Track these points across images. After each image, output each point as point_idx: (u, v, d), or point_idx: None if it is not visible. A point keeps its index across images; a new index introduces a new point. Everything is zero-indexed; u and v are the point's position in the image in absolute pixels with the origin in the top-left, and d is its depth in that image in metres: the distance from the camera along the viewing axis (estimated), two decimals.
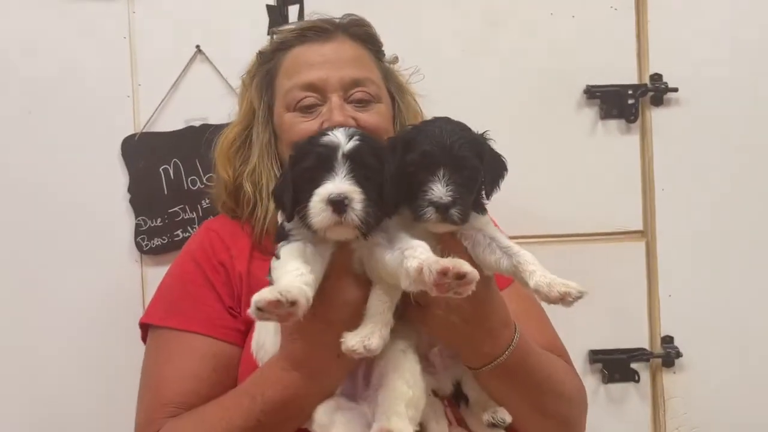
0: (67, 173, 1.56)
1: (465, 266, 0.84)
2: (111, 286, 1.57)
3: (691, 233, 1.63)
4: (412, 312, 0.99)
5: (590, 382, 1.59)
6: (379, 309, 0.94)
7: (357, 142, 0.92)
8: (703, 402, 1.62)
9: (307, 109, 1.15)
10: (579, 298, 0.89)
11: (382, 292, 0.95)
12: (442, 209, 0.91)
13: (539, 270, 0.92)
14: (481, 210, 1.00)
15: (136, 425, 1.14)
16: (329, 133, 0.94)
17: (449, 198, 0.91)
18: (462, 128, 0.99)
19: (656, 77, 1.60)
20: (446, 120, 0.99)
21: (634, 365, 1.61)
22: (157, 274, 1.53)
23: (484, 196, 1.00)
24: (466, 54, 1.59)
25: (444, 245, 0.96)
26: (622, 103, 1.59)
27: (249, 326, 1.10)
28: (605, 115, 1.60)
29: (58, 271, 1.56)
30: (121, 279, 1.57)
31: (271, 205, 1.14)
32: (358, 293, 0.96)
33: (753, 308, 1.63)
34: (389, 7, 1.59)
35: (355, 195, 0.89)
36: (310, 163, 0.92)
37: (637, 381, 1.60)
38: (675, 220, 1.62)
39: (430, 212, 0.92)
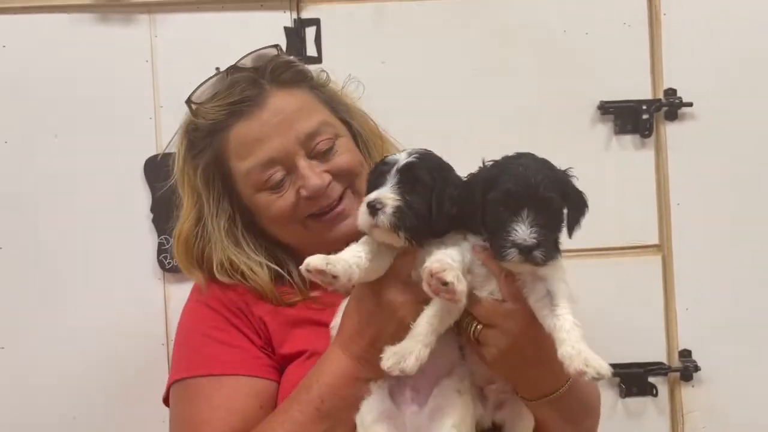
0: (91, 193, 1.60)
1: (449, 276, 0.88)
2: (135, 303, 1.60)
3: (708, 247, 1.63)
4: (471, 347, 1.01)
5: (608, 396, 1.59)
6: (424, 330, 0.94)
7: (412, 159, 1.00)
8: (723, 416, 1.62)
9: (277, 185, 1.11)
10: (597, 379, 0.87)
11: (433, 314, 0.96)
12: (525, 251, 0.91)
13: (570, 340, 0.90)
14: (556, 252, 0.98)
15: None
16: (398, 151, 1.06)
17: (533, 240, 0.90)
18: (547, 167, 0.98)
19: (670, 92, 1.61)
20: (531, 157, 0.99)
21: (651, 379, 1.61)
22: (179, 291, 1.58)
23: (565, 234, 0.99)
24: (481, 72, 1.61)
25: (501, 283, 0.98)
26: (637, 119, 1.61)
27: (283, 363, 1.11)
28: (620, 130, 1.61)
29: (83, 288, 1.60)
30: (145, 296, 1.60)
31: (264, 273, 1.12)
32: (402, 298, 0.99)
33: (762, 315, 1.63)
34: (402, 26, 1.62)
35: (389, 201, 0.96)
36: (373, 177, 1.02)
37: (655, 395, 1.61)
38: (691, 233, 1.63)
39: (513, 254, 0.91)
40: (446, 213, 0.98)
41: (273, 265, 1.13)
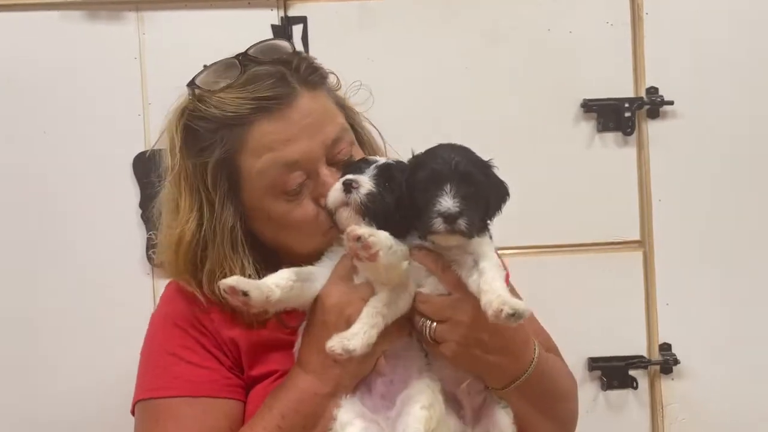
0: (80, 189, 1.61)
1: (360, 230, 0.91)
2: (123, 297, 1.61)
3: (689, 243, 1.66)
4: (431, 349, 1.03)
5: (589, 389, 1.63)
6: (369, 313, 0.97)
7: (390, 162, 1.06)
8: (701, 408, 1.66)
9: (296, 191, 1.04)
10: (514, 316, 0.88)
11: (377, 299, 0.98)
12: (450, 219, 0.95)
13: (492, 290, 0.93)
14: (482, 231, 1.02)
15: None
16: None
17: (456, 208, 0.95)
18: (467, 151, 1.05)
19: (652, 90, 1.63)
20: (454, 145, 1.05)
21: (632, 372, 1.64)
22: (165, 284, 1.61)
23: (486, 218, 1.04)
24: (466, 70, 1.63)
25: (440, 276, 1.00)
26: (619, 117, 1.63)
27: (252, 384, 1.08)
28: (602, 128, 1.64)
29: (71, 282, 1.62)
30: (133, 291, 1.61)
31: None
32: (347, 297, 1.00)
33: (750, 316, 1.66)
34: (388, 24, 1.63)
35: (365, 184, 1.00)
36: (350, 166, 1.06)
37: (636, 388, 1.64)
38: (672, 230, 1.66)
39: (438, 223, 0.96)
40: (404, 210, 1.02)
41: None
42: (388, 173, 1.03)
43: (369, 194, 1.00)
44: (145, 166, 1.59)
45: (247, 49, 1.05)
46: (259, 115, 1.00)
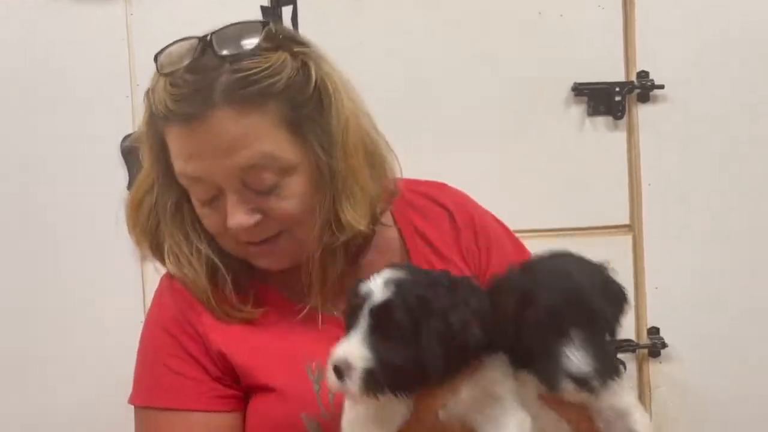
0: (69, 170, 1.62)
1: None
2: (111, 280, 1.64)
3: (678, 227, 1.69)
4: None
5: None
6: None
7: (387, 297, 0.79)
8: (688, 391, 1.69)
9: (206, 202, 0.94)
10: None
11: None
12: (582, 382, 0.77)
13: None
14: (615, 373, 0.82)
15: None
16: (372, 278, 0.82)
17: (589, 368, 0.76)
18: (586, 269, 0.86)
19: (643, 74, 1.65)
20: (567, 260, 0.87)
21: (620, 356, 1.66)
22: (154, 270, 1.61)
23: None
24: (457, 54, 1.64)
25: (575, 425, 0.85)
26: (610, 100, 1.65)
27: (249, 392, 0.99)
28: (593, 111, 1.66)
29: (58, 265, 1.63)
30: (121, 274, 1.63)
31: (204, 281, 0.97)
32: None
33: (739, 300, 1.69)
34: (376, 10, 1.64)
35: (357, 361, 0.79)
36: (347, 314, 0.84)
37: (624, 371, 1.66)
38: (662, 214, 1.68)
39: (568, 385, 0.77)
40: (439, 354, 0.79)
41: (217, 261, 0.97)
42: (385, 319, 0.79)
43: (365, 375, 0.78)
44: (134, 148, 1.59)
45: (212, 33, 0.93)
46: (170, 120, 0.91)
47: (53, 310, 1.64)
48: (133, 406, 1.02)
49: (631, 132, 1.67)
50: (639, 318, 1.68)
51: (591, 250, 1.61)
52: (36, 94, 1.61)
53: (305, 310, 0.96)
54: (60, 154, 1.61)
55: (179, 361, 0.98)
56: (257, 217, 0.91)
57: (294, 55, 0.91)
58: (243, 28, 0.91)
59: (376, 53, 1.62)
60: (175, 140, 0.91)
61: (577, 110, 1.66)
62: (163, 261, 0.99)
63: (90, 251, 1.63)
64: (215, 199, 0.92)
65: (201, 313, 0.97)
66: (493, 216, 1.14)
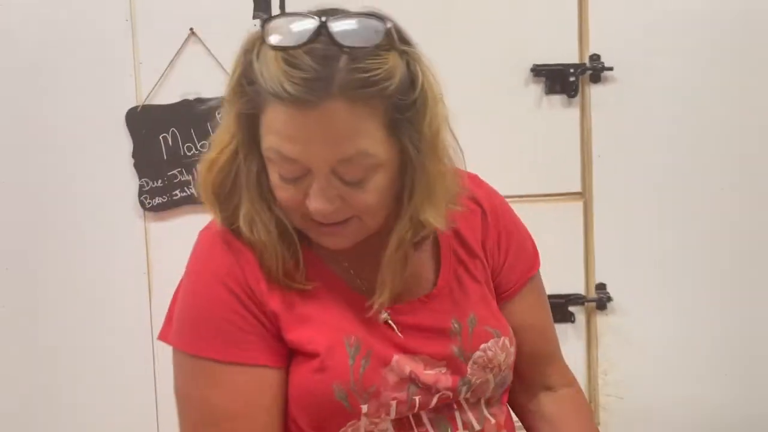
0: (78, 141, 1.77)
1: None
2: (118, 239, 1.80)
3: (624, 194, 1.84)
4: None
5: None
6: None
7: None
8: (630, 339, 1.87)
9: (289, 180, 0.91)
10: None
11: None
12: None
13: None
14: None
15: None
16: None
17: None
18: None
19: (595, 57, 1.80)
20: None
21: (571, 308, 1.85)
22: (158, 228, 1.80)
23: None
24: (422, 38, 1.79)
25: None
26: (565, 81, 1.80)
27: (291, 350, 0.98)
28: (549, 90, 1.81)
29: (69, 225, 1.80)
30: (127, 233, 1.80)
31: (278, 249, 0.95)
32: None
33: (676, 259, 1.86)
34: None
35: None
36: None
37: (573, 322, 1.85)
38: (610, 182, 1.84)
39: None
40: None
41: (292, 232, 0.96)
42: None
43: None
44: (137, 120, 1.76)
45: (331, 18, 0.87)
46: (282, 99, 0.86)
47: (63, 260, 1.80)
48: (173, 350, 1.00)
49: (583, 109, 1.82)
50: (588, 275, 1.86)
51: (547, 214, 1.84)
52: (45, 71, 1.75)
53: (375, 307, 0.95)
54: (73, 124, 1.76)
55: (241, 318, 0.96)
56: (337, 204, 0.90)
57: (401, 55, 0.89)
58: (363, 21, 0.87)
59: None
60: (279, 119, 0.87)
61: (536, 89, 1.81)
62: (229, 222, 0.96)
63: (97, 207, 1.79)
64: (299, 178, 0.90)
65: (257, 275, 0.96)
66: (517, 218, 1.13)
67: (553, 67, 1.81)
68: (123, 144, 1.77)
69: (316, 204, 0.88)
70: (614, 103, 1.83)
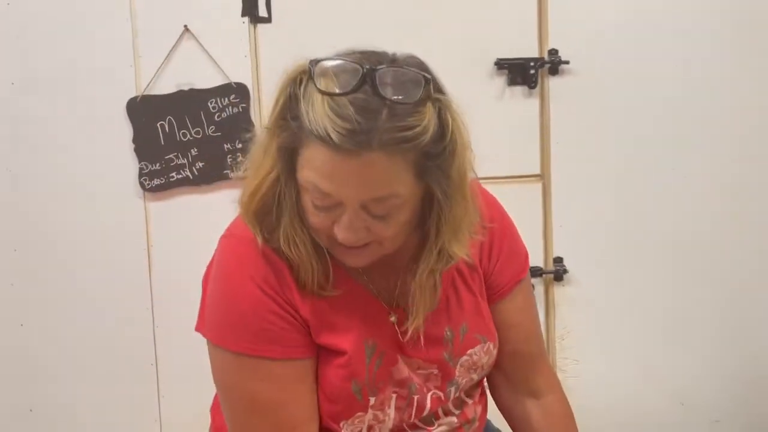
0: (83, 129, 1.91)
1: None
2: (119, 218, 1.94)
3: (579, 176, 1.99)
4: None
5: None
6: None
7: None
8: (584, 307, 2.03)
9: (321, 208, 0.96)
10: None
11: None
12: None
13: None
14: None
15: None
16: None
17: None
18: None
19: (553, 52, 1.94)
20: None
21: (531, 279, 2.02)
22: (157, 207, 1.94)
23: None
24: (394, 35, 1.92)
25: None
26: (525, 73, 1.94)
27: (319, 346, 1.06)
28: (511, 82, 1.95)
29: (72, 206, 1.92)
30: (128, 212, 1.93)
31: (313, 263, 1.00)
32: None
33: (626, 236, 2.02)
34: None
35: None
36: None
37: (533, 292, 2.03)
38: (566, 166, 1.98)
39: None
40: None
41: (324, 248, 1.01)
42: None
43: None
44: (137, 108, 1.91)
45: (379, 67, 0.90)
46: (326, 141, 0.89)
47: (65, 238, 1.93)
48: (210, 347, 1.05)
49: (542, 99, 1.97)
50: (546, 249, 2.01)
51: (510, 194, 2.00)
52: (58, 65, 1.89)
53: (409, 334, 1.03)
54: (78, 113, 1.90)
55: (279, 318, 1.01)
56: (362, 233, 0.95)
57: (434, 104, 0.93)
58: (405, 73, 0.92)
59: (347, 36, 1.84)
60: (319, 158, 0.91)
61: (499, 81, 1.96)
62: (267, 240, 1.01)
63: (99, 189, 1.92)
64: (331, 208, 0.94)
65: (291, 285, 1.01)
66: (512, 225, 1.20)
67: (514, 60, 1.94)
68: (124, 130, 1.90)
69: (344, 234, 0.94)
70: (571, 93, 1.97)
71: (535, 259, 2.03)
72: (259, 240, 1.00)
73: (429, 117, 0.91)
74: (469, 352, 1.09)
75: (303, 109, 0.91)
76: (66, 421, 1.99)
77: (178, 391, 1.98)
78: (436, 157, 0.93)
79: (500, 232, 1.14)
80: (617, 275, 2.05)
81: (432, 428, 1.09)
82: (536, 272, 2.02)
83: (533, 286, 2.00)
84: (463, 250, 1.00)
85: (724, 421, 2.11)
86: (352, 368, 1.02)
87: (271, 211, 0.99)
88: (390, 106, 0.88)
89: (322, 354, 1.04)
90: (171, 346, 1.96)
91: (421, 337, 1.04)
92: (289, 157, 0.95)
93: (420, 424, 1.08)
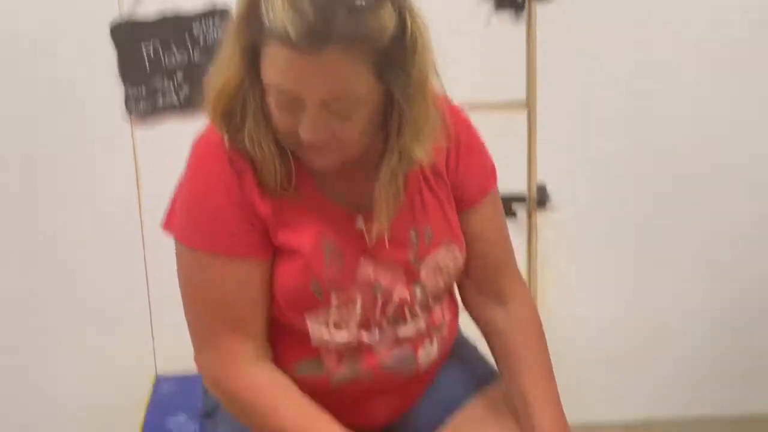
0: (69, 54, 1.90)
1: None
2: (107, 141, 1.96)
3: (565, 103, 2.01)
4: None
5: None
6: None
7: None
8: (564, 232, 2.09)
9: (283, 106, 0.99)
10: None
11: None
12: None
13: None
14: None
15: (199, 340, 1.12)
16: None
17: None
18: None
19: None
20: None
21: (514, 206, 2.04)
22: (143, 131, 1.95)
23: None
24: None
25: None
26: None
27: (276, 247, 1.09)
28: (498, 6, 1.94)
29: (63, 129, 1.93)
30: (114, 134, 1.95)
31: (276, 163, 1.04)
32: None
33: (608, 163, 2.05)
34: None
35: None
36: None
37: (515, 216, 2.07)
38: (552, 93, 2.00)
39: None
40: None
41: (287, 148, 1.05)
42: None
43: None
44: (122, 34, 1.89)
45: None
46: (283, 42, 0.92)
47: (53, 159, 1.95)
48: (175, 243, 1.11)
49: (530, 25, 1.96)
50: (530, 176, 2.05)
51: (494, 121, 2.04)
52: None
53: (373, 237, 1.07)
54: (65, 38, 1.88)
55: (236, 218, 1.05)
56: (324, 133, 0.98)
57: (394, 4, 0.93)
58: None
59: None
60: (280, 57, 0.93)
61: (485, 6, 1.95)
62: (233, 140, 1.04)
63: (85, 113, 1.92)
64: (293, 108, 0.97)
65: (252, 185, 1.05)
66: (478, 137, 1.22)
67: None
68: (110, 56, 1.90)
69: (306, 134, 0.98)
70: (559, 20, 1.96)
71: (519, 186, 2.07)
72: (226, 141, 1.03)
73: (388, 16, 0.92)
74: (434, 254, 1.12)
75: (263, 8, 0.93)
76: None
77: (169, 315, 2.02)
78: (396, 57, 0.95)
79: (467, 142, 1.17)
80: (601, 203, 2.09)
81: (399, 330, 1.12)
82: (519, 199, 2.07)
83: (515, 212, 2.05)
84: (424, 153, 1.03)
85: (708, 352, 2.18)
86: (309, 266, 1.05)
87: (236, 112, 1.01)
88: (348, 4, 0.90)
89: (280, 254, 1.07)
90: (162, 270, 1.98)
91: (386, 240, 1.07)
92: (252, 58, 0.97)
93: (387, 326, 1.12)
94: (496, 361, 1.23)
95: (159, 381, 1.61)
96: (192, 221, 1.08)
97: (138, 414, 1.89)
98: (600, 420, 2.16)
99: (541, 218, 2.10)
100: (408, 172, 1.06)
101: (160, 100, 1.93)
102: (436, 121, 1.04)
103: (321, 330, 1.08)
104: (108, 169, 1.98)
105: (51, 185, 1.98)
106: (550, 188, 2.08)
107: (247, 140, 1.02)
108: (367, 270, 1.09)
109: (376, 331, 1.11)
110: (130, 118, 1.95)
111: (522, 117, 2.04)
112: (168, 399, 1.52)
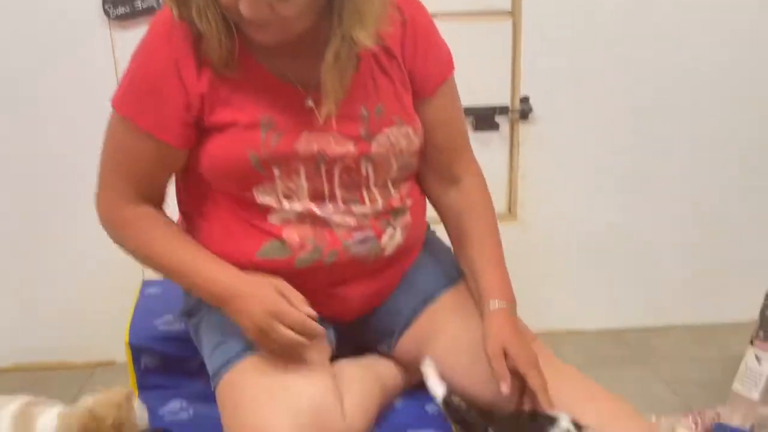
0: None
1: None
2: (84, 46, 1.93)
3: (551, 15, 2.00)
4: None
5: None
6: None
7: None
8: (546, 145, 2.11)
9: None
10: None
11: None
12: None
13: None
14: None
15: (100, 181, 1.20)
16: None
17: None
18: None
19: None
20: None
21: (497, 118, 2.06)
22: (123, 36, 1.92)
23: None
24: None
25: None
26: None
27: (208, 129, 1.13)
28: None
29: (36, 37, 1.91)
30: (93, 40, 1.92)
31: (222, 38, 1.06)
32: None
33: (593, 77, 2.06)
34: None
35: None
36: None
37: (498, 130, 2.08)
38: (538, 2, 1.98)
39: None
40: None
41: (231, 25, 1.06)
42: None
43: None
44: None
45: None
46: None
47: (37, 74, 1.94)
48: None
49: None
50: (514, 89, 2.05)
51: (478, 31, 2.02)
52: None
53: (323, 117, 1.11)
54: None
55: (170, 98, 1.10)
56: (264, 10, 1.00)
57: None
58: None
59: None
60: None
61: None
62: (182, 13, 1.06)
63: (66, 14, 1.90)
64: None
65: (194, 60, 1.09)
66: (434, 26, 1.22)
67: None
68: None
69: (246, 9, 1.00)
70: None
71: (502, 97, 2.08)
72: (174, 13, 1.06)
73: None
74: (386, 132, 1.15)
75: None
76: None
77: None
78: None
79: (424, 26, 1.18)
80: (582, 117, 2.10)
81: (354, 207, 1.17)
82: (502, 110, 2.07)
83: (498, 123, 2.06)
84: (367, 37, 1.04)
85: (687, 259, 2.24)
86: (244, 138, 1.10)
87: None
88: None
89: (216, 131, 1.11)
90: None
91: (333, 119, 1.11)
92: None
93: (341, 202, 1.16)
94: (451, 240, 1.28)
95: (145, 285, 1.65)
96: (128, 93, 1.13)
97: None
98: (577, 327, 2.24)
99: (524, 131, 2.11)
100: (357, 54, 1.08)
101: (140, 4, 1.90)
102: (381, 6, 1.05)
103: (272, 201, 1.13)
104: (86, 74, 1.95)
105: (26, 94, 1.97)
106: (533, 101, 2.08)
107: (194, 13, 1.04)
108: (309, 143, 1.11)
109: (330, 205, 1.15)
110: (109, 22, 1.92)
111: (507, 26, 2.03)
112: (153, 301, 1.57)
